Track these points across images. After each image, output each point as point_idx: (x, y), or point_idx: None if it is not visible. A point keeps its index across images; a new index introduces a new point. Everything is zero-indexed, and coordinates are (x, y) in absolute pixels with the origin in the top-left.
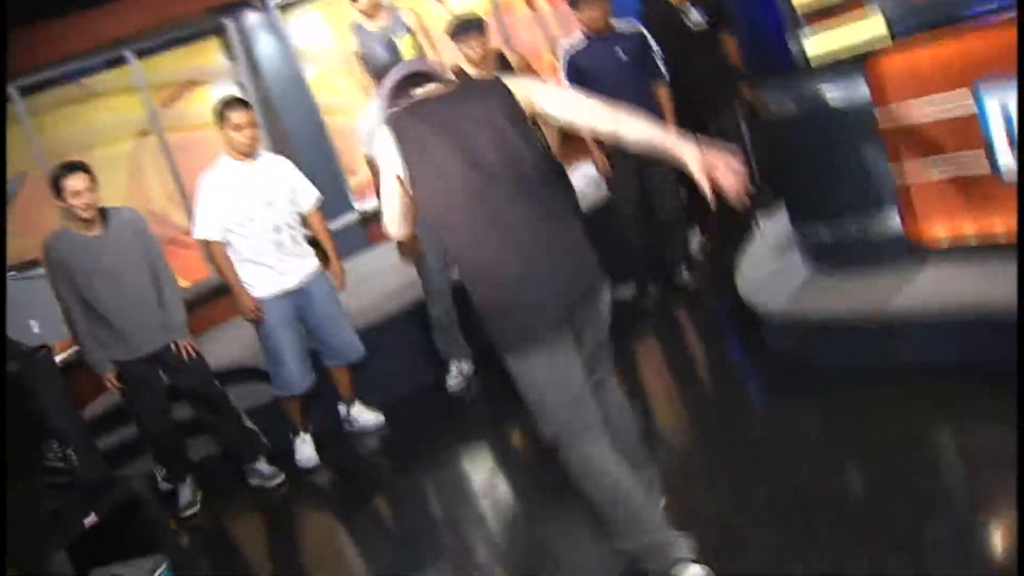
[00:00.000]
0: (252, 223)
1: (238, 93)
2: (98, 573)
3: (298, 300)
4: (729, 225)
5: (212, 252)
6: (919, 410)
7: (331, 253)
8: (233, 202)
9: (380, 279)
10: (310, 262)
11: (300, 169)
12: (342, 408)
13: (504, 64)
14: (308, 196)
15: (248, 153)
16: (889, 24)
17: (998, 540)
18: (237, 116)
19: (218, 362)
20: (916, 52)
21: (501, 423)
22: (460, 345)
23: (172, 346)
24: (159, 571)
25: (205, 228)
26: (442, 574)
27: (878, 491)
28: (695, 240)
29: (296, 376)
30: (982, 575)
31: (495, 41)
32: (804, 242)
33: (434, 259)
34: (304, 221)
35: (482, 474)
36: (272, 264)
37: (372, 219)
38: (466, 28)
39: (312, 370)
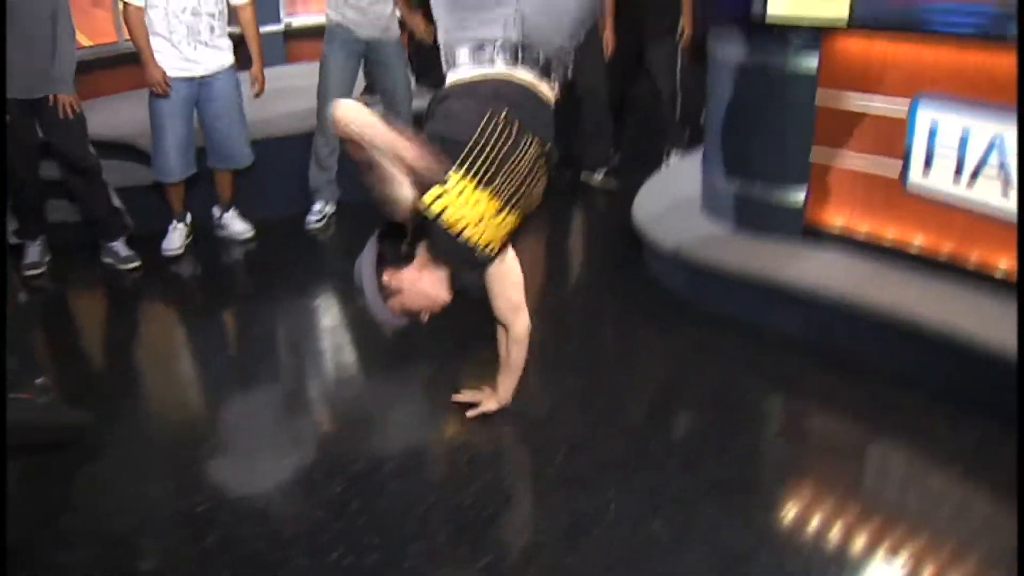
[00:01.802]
0: None
1: None
2: None
3: (200, 91)
4: (643, 149)
5: (128, 16)
6: (754, 368)
7: (255, 55)
8: None
9: (289, 97)
10: (223, 56)
11: None
12: (216, 210)
13: None
14: None
15: None
16: (853, 9)
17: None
18: None
19: (101, 131)
20: (873, 46)
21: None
22: (330, 186)
23: (51, 98)
24: None
25: None
26: (264, 394)
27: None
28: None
29: (174, 163)
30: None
31: None
32: (708, 188)
33: (339, 86)
34: (232, 15)
35: (318, 317)
36: (180, 47)
37: (296, 36)
38: None
39: (194, 164)
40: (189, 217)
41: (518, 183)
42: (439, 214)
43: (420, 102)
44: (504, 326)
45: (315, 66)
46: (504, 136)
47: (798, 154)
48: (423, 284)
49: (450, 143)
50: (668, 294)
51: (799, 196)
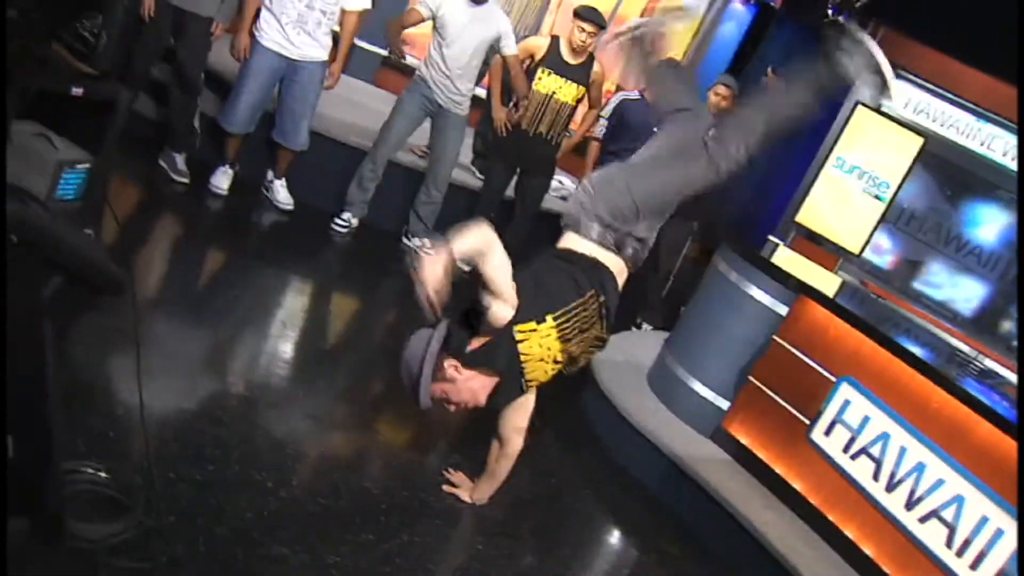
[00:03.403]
0: None
1: None
2: (28, 127)
3: (288, 69)
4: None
5: None
6: (619, 513)
7: (342, 53)
8: None
9: (360, 111)
10: (318, 51)
11: None
12: (269, 174)
13: (589, 64)
14: (356, 0)
15: None
16: (839, 292)
17: None
18: None
19: (215, 62)
20: (831, 323)
21: (354, 283)
22: (362, 204)
23: (192, 17)
24: (83, 166)
25: None
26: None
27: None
28: None
29: (238, 117)
30: None
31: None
32: (659, 362)
33: (401, 129)
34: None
35: (294, 300)
36: (286, 27)
37: (392, 66)
38: (592, 16)
39: (254, 125)
40: (237, 167)
41: (580, 350)
42: (519, 341)
43: (462, 175)
44: (501, 440)
45: (393, 97)
46: (593, 313)
47: (739, 372)
48: (475, 383)
49: (558, 294)
50: (587, 423)
51: (724, 405)
